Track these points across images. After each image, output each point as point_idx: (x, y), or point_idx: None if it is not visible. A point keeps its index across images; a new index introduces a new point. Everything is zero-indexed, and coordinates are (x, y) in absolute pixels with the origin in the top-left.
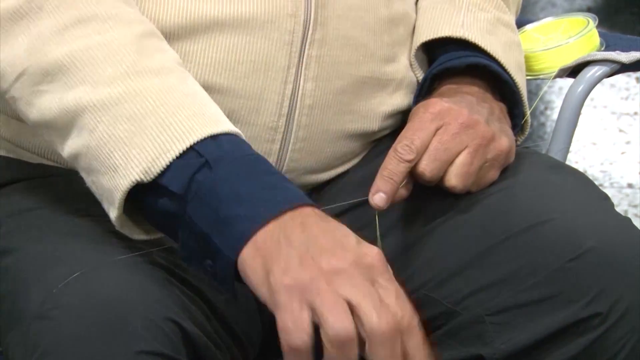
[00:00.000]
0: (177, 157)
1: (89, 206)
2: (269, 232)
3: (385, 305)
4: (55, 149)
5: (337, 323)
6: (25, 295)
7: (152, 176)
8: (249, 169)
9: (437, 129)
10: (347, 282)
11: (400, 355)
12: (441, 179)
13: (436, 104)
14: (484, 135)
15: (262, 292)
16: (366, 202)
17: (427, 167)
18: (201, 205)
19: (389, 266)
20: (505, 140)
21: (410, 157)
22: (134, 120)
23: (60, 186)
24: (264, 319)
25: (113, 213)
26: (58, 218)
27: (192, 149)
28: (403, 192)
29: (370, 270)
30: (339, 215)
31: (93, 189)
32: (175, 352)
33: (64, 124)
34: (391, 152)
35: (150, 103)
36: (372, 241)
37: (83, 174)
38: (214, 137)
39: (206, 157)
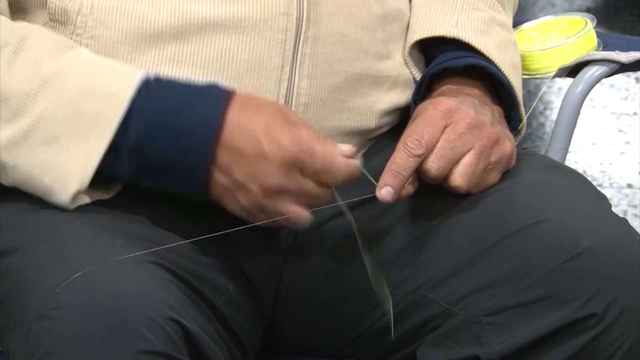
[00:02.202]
0: (104, 155)
1: (89, 205)
2: (212, 171)
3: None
4: None
5: (298, 223)
6: (27, 295)
7: (86, 182)
8: (160, 128)
9: (445, 127)
10: (285, 195)
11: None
12: (445, 178)
13: (445, 102)
14: (489, 136)
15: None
16: (365, 201)
17: (433, 165)
18: (150, 173)
19: (307, 136)
20: (508, 145)
21: (420, 151)
22: (49, 144)
23: None
24: (264, 320)
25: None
26: (58, 218)
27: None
28: (409, 189)
29: (295, 163)
30: (338, 214)
31: None
32: (177, 352)
33: None
34: (400, 146)
35: (57, 120)
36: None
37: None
38: (125, 119)
39: (127, 140)
